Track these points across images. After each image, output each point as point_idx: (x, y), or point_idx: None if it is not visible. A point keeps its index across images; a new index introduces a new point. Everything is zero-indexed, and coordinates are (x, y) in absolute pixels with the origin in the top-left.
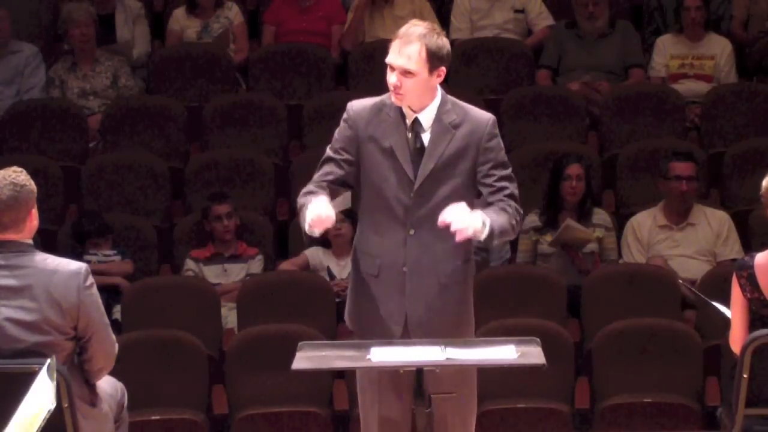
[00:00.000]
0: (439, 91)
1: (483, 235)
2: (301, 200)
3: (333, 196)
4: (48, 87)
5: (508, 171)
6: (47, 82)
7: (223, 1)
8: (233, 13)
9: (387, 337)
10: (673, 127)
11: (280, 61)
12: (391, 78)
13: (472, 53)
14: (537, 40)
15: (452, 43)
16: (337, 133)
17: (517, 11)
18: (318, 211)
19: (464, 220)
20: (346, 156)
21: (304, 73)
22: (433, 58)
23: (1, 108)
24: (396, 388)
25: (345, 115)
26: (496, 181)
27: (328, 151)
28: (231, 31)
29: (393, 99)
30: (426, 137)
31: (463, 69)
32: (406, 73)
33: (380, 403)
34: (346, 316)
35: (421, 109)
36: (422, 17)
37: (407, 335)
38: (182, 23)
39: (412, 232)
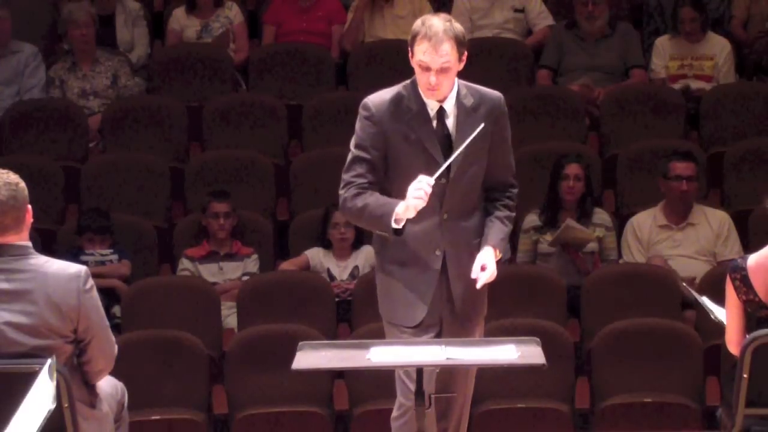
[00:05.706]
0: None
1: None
2: (357, 203)
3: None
4: (48, 87)
5: (511, 153)
6: (47, 82)
7: (223, 1)
8: (233, 13)
9: (424, 324)
10: (673, 127)
11: (280, 61)
12: (431, 78)
13: (472, 53)
14: (537, 40)
15: None
16: (360, 131)
17: (517, 11)
18: (421, 187)
19: (493, 273)
20: (375, 154)
21: (304, 73)
22: (460, 48)
23: (1, 108)
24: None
25: (365, 113)
26: (503, 171)
27: (356, 151)
28: (231, 31)
29: (428, 96)
30: (450, 123)
31: (463, 69)
32: (443, 70)
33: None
34: (380, 310)
35: (445, 97)
36: None
37: (450, 317)
38: (182, 23)
39: (446, 216)
